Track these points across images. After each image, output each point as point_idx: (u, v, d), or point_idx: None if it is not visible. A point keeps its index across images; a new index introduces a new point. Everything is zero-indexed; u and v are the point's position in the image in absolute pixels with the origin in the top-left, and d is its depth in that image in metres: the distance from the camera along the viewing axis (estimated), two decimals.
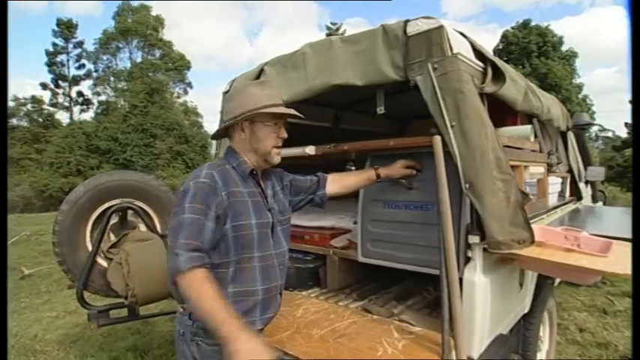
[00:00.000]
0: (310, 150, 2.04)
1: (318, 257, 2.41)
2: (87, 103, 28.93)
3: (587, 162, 4.25)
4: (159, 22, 29.08)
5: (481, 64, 1.69)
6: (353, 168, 3.16)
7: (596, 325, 3.75)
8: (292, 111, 1.41)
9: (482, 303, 1.56)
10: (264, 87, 1.42)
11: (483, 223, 1.46)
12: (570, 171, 3.39)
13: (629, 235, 1.51)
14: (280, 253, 1.47)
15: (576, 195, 3.46)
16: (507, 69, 1.81)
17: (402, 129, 4.37)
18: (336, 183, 1.75)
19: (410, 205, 1.80)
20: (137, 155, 24.44)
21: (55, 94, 27.95)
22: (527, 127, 2.14)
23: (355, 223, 2.34)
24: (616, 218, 3.35)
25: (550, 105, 2.70)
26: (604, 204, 5.04)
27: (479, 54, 1.69)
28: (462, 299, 1.51)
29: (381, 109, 1.78)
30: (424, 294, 2.16)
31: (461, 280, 1.55)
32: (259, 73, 2.24)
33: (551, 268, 1.61)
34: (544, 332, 2.73)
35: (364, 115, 3.87)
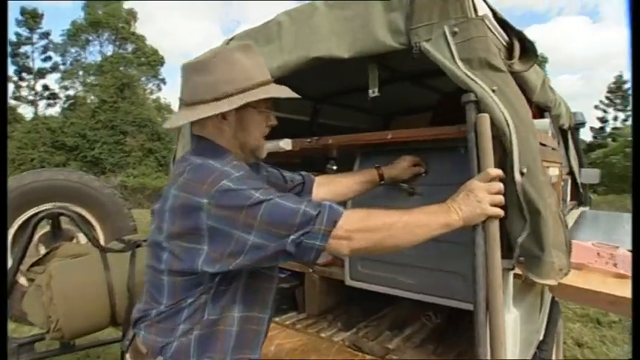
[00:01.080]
0: (286, 144, 1.64)
1: (294, 275, 2.01)
2: (53, 97, 27.62)
3: (581, 164, 4.02)
4: (131, 15, 27.97)
5: (506, 36, 1.32)
6: (334, 168, 2.78)
7: (593, 338, 3.53)
8: (291, 92, 1.07)
9: (513, 342, 1.19)
10: (250, 54, 1.04)
11: (535, 228, 1.05)
12: (571, 173, 3.10)
13: None
14: None
15: (577, 199, 3.18)
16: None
17: (385, 126, 4.02)
18: (324, 187, 1.39)
19: None
20: (106, 153, 23.42)
21: (18, 87, 26.52)
22: (546, 121, 1.80)
23: None
24: (616, 225, 3.08)
25: (560, 100, 2.39)
26: (589, 208, 4.88)
27: (501, 23, 1.32)
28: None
29: (374, 92, 1.38)
30: (424, 320, 1.79)
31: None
32: None
33: (599, 301, 1.25)
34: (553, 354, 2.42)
35: (345, 109, 3.49)
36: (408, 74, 2.13)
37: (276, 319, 1.87)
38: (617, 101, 26.17)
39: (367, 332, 1.69)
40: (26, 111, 26.81)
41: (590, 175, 4.02)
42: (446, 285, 1.34)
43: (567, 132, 3.13)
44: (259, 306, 1.05)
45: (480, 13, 1.14)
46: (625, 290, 1.14)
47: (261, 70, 1.05)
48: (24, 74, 26.71)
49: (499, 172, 0.99)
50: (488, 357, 0.95)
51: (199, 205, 0.87)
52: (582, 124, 4.16)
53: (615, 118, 26.23)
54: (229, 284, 0.97)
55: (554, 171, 1.93)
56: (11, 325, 2.02)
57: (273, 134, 1.81)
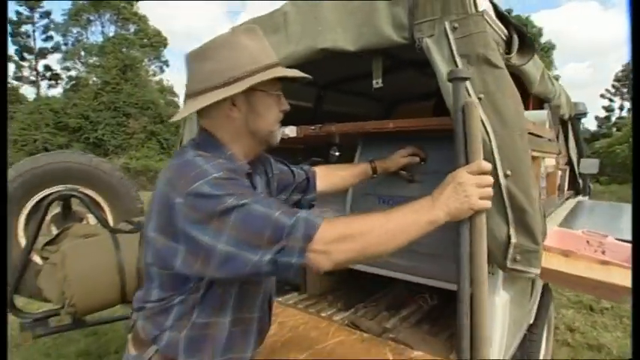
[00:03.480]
0: (290, 131, 1.69)
1: None
2: (55, 78, 27.56)
3: (580, 153, 4.06)
4: None
5: (505, 30, 1.36)
6: (337, 154, 2.84)
7: (584, 323, 3.62)
8: (300, 73, 1.01)
9: (501, 325, 1.27)
10: (255, 37, 0.99)
11: (525, 225, 1.12)
12: (569, 163, 3.15)
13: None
14: None
15: (575, 189, 3.23)
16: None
17: (387, 113, 4.05)
18: (323, 180, 1.41)
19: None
20: (109, 134, 23.41)
21: (19, 67, 26.43)
22: (544, 113, 1.85)
23: None
24: (615, 215, 3.14)
25: (560, 90, 2.43)
26: (589, 198, 4.92)
27: (501, 18, 1.36)
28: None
29: (378, 82, 1.43)
30: (419, 302, 1.87)
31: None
32: None
33: (582, 285, 1.33)
34: (542, 339, 2.51)
35: (348, 96, 3.52)
36: (411, 62, 2.17)
37: (279, 298, 1.96)
38: (624, 90, 25.96)
39: (365, 312, 1.77)
40: (28, 92, 26.77)
41: (589, 165, 4.06)
42: (439, 268, 1.41)
43: (567, 122, 3.17)
44: (248, 308, 1.03)
45: (480, 9, 1.18)
46: (608, 276, 1.21)
47: (268, 52, 0.99)
48: (25, 54, 26.54)
49: (489, 166, 0.98)
50: (467, 355, 0.98)
51: (174, 205, 0.83)
52: (584, 114, 4.18)
53: (621, 108, 26.09)
54: (219, 287, 0.95)
55: (550, 161, 1.99)
56: (26, 301, 2.11)
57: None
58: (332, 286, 2.04)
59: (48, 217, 2.09)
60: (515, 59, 1.29)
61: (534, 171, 1.42)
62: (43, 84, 27.46)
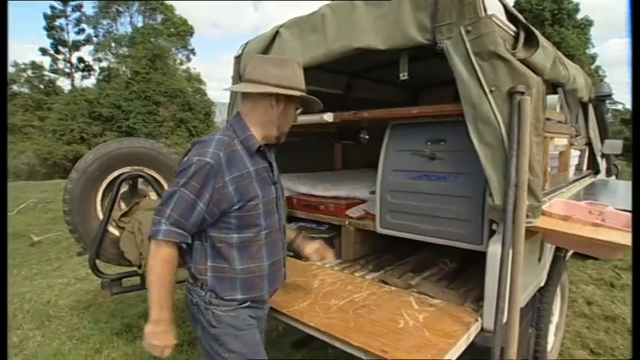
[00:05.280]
0: (329, 117, 1.97)
1: (332, 227, 2.38)
2: (88, 69, 28.45)
3: (604, 134, 4.15)
4: None
5: (513, 27, 1.58)
6: (366, 137, 3.11)
7: (603, 298, 3.76)
8: (320, 105, 1.45)
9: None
10: (302, 70, 1.41)
11: (530, 189, 1.43)
12: (589, 144, 3.30)
13: None
14: (283, 227, 1.51)
15: (594, 168, 3.38)
16: (538, 35, 1.70)
17: (414, 98, 4.27)
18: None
19: (432, 176, 1.75)
20: (140, 123, 24.18)
21: (55, 60, 27.43)
22: (554, 97, 2.05)
23: (372, 193, 2.29)
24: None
25: (575, 74, 2.59)
26: (617, 177, 4.97)
27: (510, 16, 1.59)
28: (485, 272, 1.48)
29: (404, 75, 1.69)
30: (441, 266, 2.14)
31: (485, 253, 1.52)
32: (274, 37, 2.13)
33: (578, 243, 1.57)
34: (555, 305, 2.73)
35: (376, 84, 3.76)
36: (435, 52, 2.39)
37: (318, 262, 2.27)
38: None
39: (393, 272, 2.06)
40: (64, 83, 27.84)
41: (613, 146, 4.16)
42: (457, 230, 1.68)
43: (587, 104, 3.30)
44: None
45: (490, 12, 1.42)
46: (599, 234, 1.45)
47: (303, 82, 1.40)
48: (60, 47, 27.53)
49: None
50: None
51: None
52: (608, 95, 4.25)
53: None
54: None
55: (560, 141, 2.19)
56: (102, 265, 2.50)
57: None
58: (364, 252, 2.34)
59: (119, 194, 2.46)
60: (520, 53, 1.52)
61: (542, 149, 1.65)
62: (77, 75, 28.49)
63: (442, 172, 1.72)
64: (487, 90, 1.38)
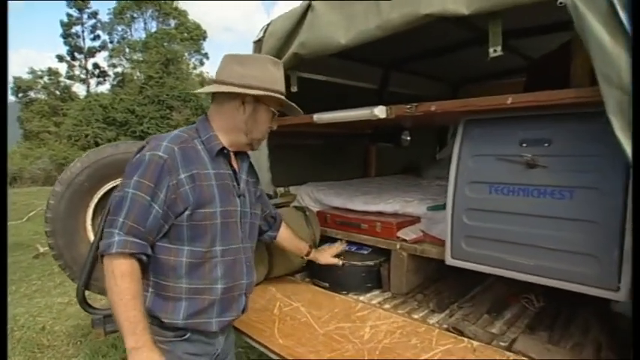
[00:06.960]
0: (380, 112, 1.50)
1: (376, 251, 1.91)
2: (103, 75, 28.61)
3: None
4: None
5: None
6: (408, 138, 2.63)
7: None
8: (299, 110, 1.30)
9: None
10: (279, 69, 1.24)
11: None
12: None
13: None
14: (250, 248, 1.32)
15: None
16: None
17: (453, 94, 3.77)
18: (284, 232, 1.66)
19: (533, 191, 1.27)
20: (154, 127, 24.10)
21: (71, 67, 27.63)
22: None
23: (429, 209, 1.81)
24: None
25: None
26: None
27: None
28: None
29: (496, 50, 1.21)
30: (523, 303, 1.65)
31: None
32: (305, 11, 1.68)
33: None
34: None
35: (412, 77, 3.29)
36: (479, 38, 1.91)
37: (361, 297, 1.80)
38: None
39: (464, 315, 1.58)
40: (80, 89, 28.01)
41: None
42: (575, 269, 1.19)
43: None
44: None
45: None
46: None
47: (281, 82, 1.24)
48: (76, 54, 27.72)
49: None
50: None
51: None
52: None
53: None
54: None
55: None
56: (96, 296, 2.08)
57: (341, 102, 1.73)
58: (417, 283, 1.86)
59: None
60: None
61: None
62: (93, 81, 28.62)
63: (547, 185, 1.23)
64: None
